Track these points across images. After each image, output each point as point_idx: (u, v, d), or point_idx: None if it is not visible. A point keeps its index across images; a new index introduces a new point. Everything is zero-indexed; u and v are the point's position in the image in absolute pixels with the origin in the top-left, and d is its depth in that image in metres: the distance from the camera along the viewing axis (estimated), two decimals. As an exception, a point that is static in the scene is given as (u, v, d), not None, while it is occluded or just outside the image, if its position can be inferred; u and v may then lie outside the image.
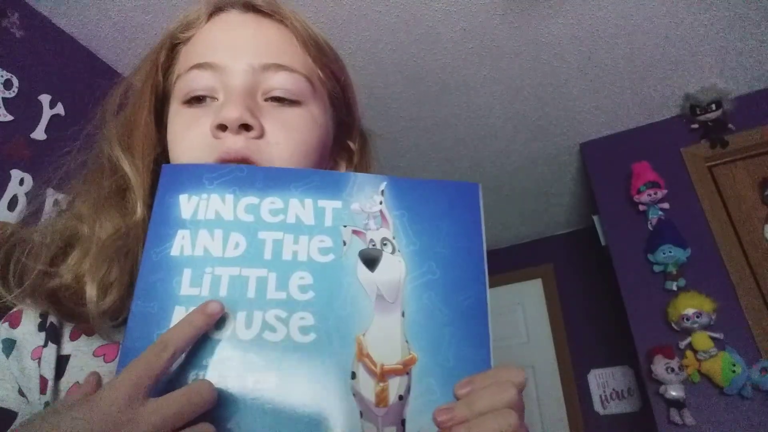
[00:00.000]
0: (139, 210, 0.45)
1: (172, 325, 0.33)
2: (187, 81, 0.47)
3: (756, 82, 2.17)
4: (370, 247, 0.37)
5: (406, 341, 0.36)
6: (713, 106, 2.14)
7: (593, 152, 2.49)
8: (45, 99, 1.62)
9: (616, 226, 2.29)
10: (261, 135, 0.45)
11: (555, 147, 2.56)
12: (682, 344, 1.94)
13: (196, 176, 0.38)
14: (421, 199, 0.40)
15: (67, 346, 0.44)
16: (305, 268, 0.36)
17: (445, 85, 2.14)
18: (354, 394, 0.33)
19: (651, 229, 2.15)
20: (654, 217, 2.16)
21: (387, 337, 0.35)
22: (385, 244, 0.38)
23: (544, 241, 3.31)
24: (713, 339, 1.88)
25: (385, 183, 0.40)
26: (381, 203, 0.39)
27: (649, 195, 2.17)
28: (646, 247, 2.13)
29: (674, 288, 2.02)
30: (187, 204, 0.37)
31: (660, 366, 1.90)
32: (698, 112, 2.18)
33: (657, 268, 2.08)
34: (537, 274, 3.24)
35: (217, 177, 0.38)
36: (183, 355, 0.32)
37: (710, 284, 1.98)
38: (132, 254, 0.43)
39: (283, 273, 0.36)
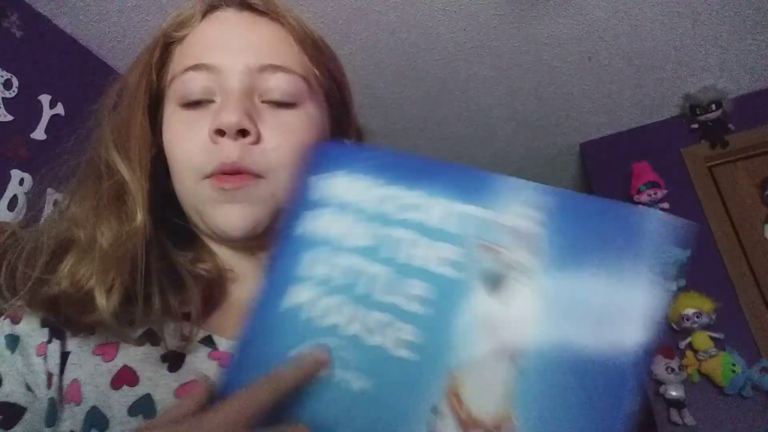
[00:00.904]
0: (139, 216, 0.44)
1: (284, 301, 0.34)
2: (183, 83, 0.46)
3: (756, 82, 2.17)
4: (498, 270, 0.31)
5: (509, 396, 0.29)
6: (713, 106, 2.14)
7: (593, 152, 2.49)
8: (45, 99, 1.62)
9: (616, 226, 2.29)
10: (258, 140, 0.45)
11: (555, 147, 2.56)
12: (682, 344, 1.93)
13: (338, 157, 0.38)
14: (591, 226, 0.30)
15: (70, 342, 0.44)
16: (422, 277, 0.32)
17: (445, 85, 2.14)
18: (430, 430, 0.30)
19: (651, 229, 2.15)
20: (654, 217, 2.16)
21: (486, 384, 0.29)
22: (520, 271, 0.30)
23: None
24: (713, 339, 1.88)
25: (544, 195, 0.32)
26: (534, 221, 0.31)
27: (649, 195, 2.17)
28: (646, 247, 2.13)
29: (674, 288, 2.02)
30: (320, 184, 0.37)
31: (660, 366, 1.90)
32: (698, 112, 2.18)
33: (657, 268, 2.08)
34: (537, 274, 3.23)
35: (359, 160, 0.37)
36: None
37: (710, 284, 1.98)
38: (132, 260, 0.43)
39: (398, 276, 0.33)
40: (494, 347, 0.30)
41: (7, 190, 1.45)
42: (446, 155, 2.58)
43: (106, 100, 0.51)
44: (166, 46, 0.51)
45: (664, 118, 2.35)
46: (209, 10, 0.50)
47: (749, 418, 1.80)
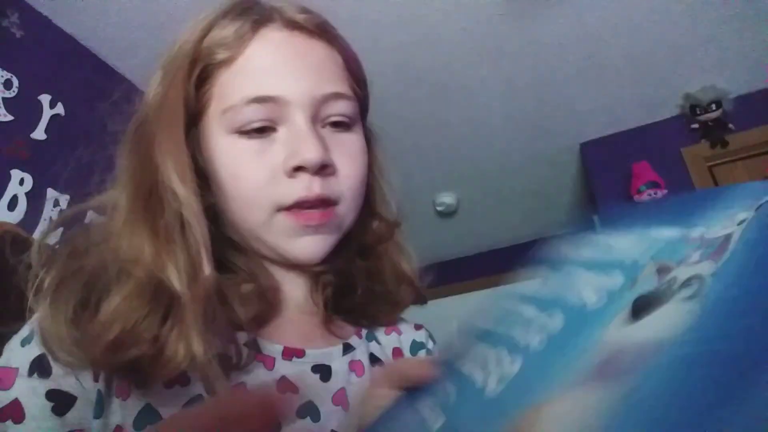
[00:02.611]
0: (206, 268, 0.41)
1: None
2: (245, 114, 0.45)
3: (756, 82, 2.17)
4: (653, 290, 0.24)
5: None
6: (713, 106, 2.14)
7: (593, 152, 2.49)
8: (45, 99, 1.62)
9: (616, 226, 2.29)
10: (335, 171, 0.46)
11: (555, 147, 2.56)
12: (682, 344, 1.94)
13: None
14: None
15: None
16: (562, 310, 0.28)
17: (445, 86, 2.14)
18: None
19: (651, 229, 2.15)
20: (654, 217, 2.16)
21: (575, 421, 0.21)
22: (689, 285, 0.23)
23: (544, 241, 3.30)
24: (713, 339, 1.88)
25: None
26: (740, 224, 0.24)
27: (649, 195, 2.17)
28: (646, 247, 2.13)
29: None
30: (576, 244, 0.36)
31: (660, 366, 1.90)
32: (698, 112, 2.18)
33: (657, 268, 2.09)
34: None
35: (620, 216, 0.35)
36: None
37: (710, 284, 1.98)
38: (204, 309, 0.41)
39: (542, 312, 0.30)
40: (598, 375, 0.22)
41: (7, 190, 1.46)
42: (446, 155, 2.58)
43: (139, 123, 0.48)
44: (205, 65, 0.47)
45: (664, 118, 2.35)
46: (255, 28, 0.47)
47: (749, 418, 1.80)
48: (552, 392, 0.23)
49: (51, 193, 1.56)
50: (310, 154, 0.43)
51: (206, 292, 0.41)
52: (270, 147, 0.45)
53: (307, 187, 0.44)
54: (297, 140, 0.44)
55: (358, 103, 0.50)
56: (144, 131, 0.47)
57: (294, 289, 0.50)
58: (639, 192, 2.19)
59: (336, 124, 0.47)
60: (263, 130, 0.45)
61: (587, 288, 0.28)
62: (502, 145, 2.53)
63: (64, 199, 1.58)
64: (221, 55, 0.46)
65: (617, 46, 1.97)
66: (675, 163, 2.24)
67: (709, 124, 2.19)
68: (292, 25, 0.48)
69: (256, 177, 0.44)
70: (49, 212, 1.55)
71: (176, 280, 0.40)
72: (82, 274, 0.41)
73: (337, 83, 0.48)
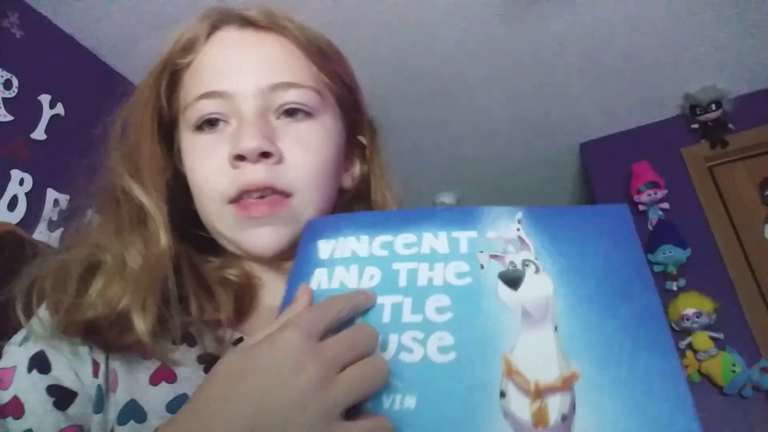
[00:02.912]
0: (163, 239, 0.44)
1: None
2: (197, 110, 0.47)
3: (756, 82, 2.17)
4: (511, 268, 0.36)
5: (563, 357, 0.32)
6: (713, 106, 2.14)
7: (593, 152, 2.49)
8: (45, 99, 1.62)
9: (616, 226, 2.29)
10: (281, 159, 0.45)
11: (555, 147, 2.56)
12: (682, 344, 1.94)
13: (334, 224, 0.41)
14: (562, 224, 0.39)
15: None
16: (442, 292, 0.35)
17: (445, 86, 2.14)
18: (505, 414, 0.31)
19: (651, 229, 2.15)
20: (654, 217, 2.16)
21: (539, 354, 0.32)
22: (527, 265, 0.36)
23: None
24: (713, 339, 1.88)
25: (520, 213, 0.39)
26: (519, 230, 0.38)
27: (649, 195, 2.16)
28: (646, 248, 2.12)
29: (674, 288, 2.02)
30: (325, 247, 0.40)
31: (660, 366, 1.90)
32: (698, 112, 2.18)
33: (657, 268, 2.08)
34: (537, 274, 3.24)
35: (353, 222, 0.41)
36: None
37: (710, 284, 1.98)
38: (162, 280, 0.43)
39: (419, 298, 0.35)
40: (530, 324, 0.34)
41: (7, 190, 1.45)
42: (446, 155, 2.58)
43: (114, 128, 0.51)
44: (172, 72, 0.50)
45: (664, 118, 2.35)
46: (211, 31, 0.50)
47: (749, 418, 1.80)
48: (507, 342, 0.33)
49: (51, 193, 1.56)
50: (247, 141, 0.43)
51: (159, 262, 0.43)
52: (221, 141, 0.46)
53: (250, 175, 0.44)
54: (240, 131, 0.45)
55: (323, 94, 0.50)
56: (114, 142, 0.50)
57: (275, 287, 0.50)
58: (639, 192, 2.19)
59: (292, 114, 0.47)
60: (214, 123, 0.47)
61: (450, 275, 0.36)
62: (502, 145, 2.53)
63: (64, 199, 1.58)
64: (184, 60, 0.49)
65: (617, 46, 1.97)
66: (675, 163, 2.23)
67: (709, 124, 2.18)
68: (244, 22, 0.50)
69: (206, 170, 0.46)
70: (49, 212, 1.54)
71: (134, 259, 0.43)
72: (68, 267, 0.44)
73: (289, 73, 0.48)
